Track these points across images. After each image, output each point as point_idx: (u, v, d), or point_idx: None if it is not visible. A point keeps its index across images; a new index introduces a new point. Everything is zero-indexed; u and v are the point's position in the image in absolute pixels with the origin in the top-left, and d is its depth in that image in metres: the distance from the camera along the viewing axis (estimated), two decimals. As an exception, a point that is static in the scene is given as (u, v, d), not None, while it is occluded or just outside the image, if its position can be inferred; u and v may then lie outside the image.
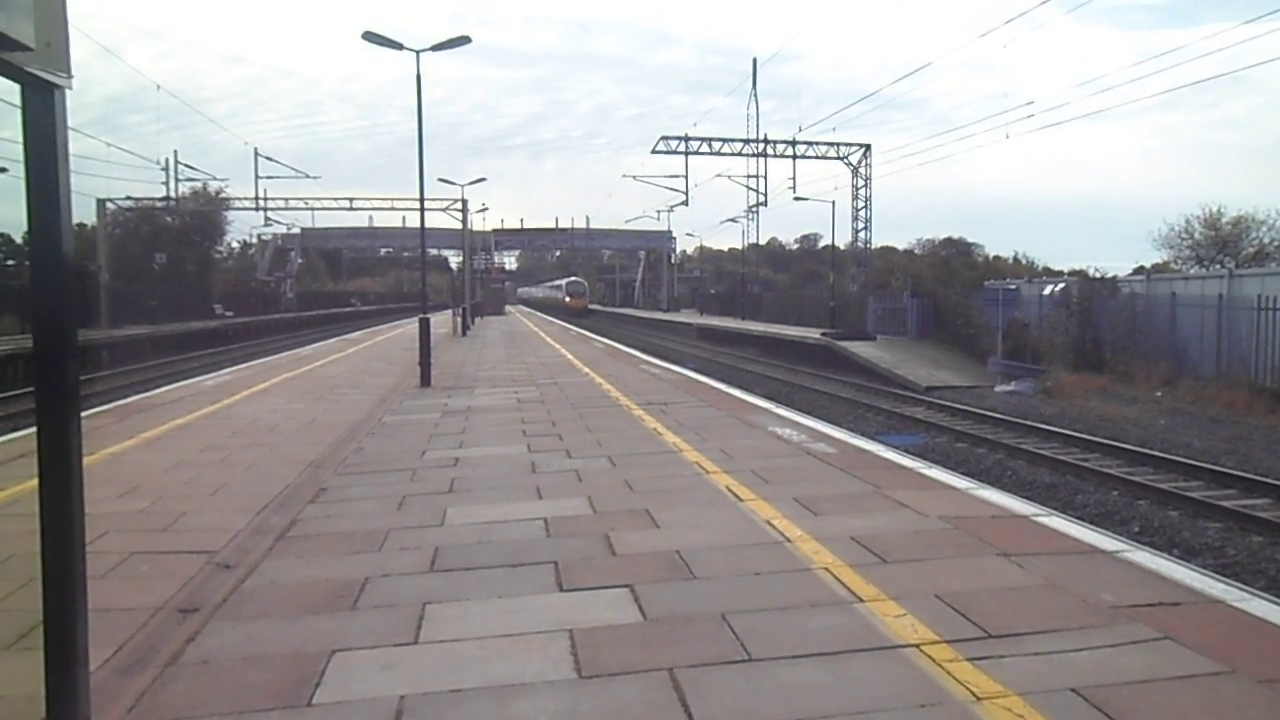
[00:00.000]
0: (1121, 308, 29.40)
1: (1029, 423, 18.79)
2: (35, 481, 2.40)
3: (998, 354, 29.40)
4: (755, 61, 57.26)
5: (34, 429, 2.45)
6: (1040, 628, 4.85)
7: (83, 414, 2.65)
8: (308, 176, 72.30)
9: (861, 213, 55.35)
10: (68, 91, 2.38)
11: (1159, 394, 24.28)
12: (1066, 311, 31.19)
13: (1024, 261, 74.23)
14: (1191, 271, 43.50)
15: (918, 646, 4.64)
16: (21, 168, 2.36)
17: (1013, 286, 34.03)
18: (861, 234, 56.09)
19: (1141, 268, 44.91)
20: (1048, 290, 33.95)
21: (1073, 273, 46.32)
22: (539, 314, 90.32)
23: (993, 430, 18.41)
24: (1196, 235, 50.59)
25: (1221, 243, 49.44)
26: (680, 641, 4.81)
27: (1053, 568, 5.88)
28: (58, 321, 2.42)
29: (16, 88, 2.30)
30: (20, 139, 2.33)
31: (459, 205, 54.84)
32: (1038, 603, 5.26)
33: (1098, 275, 37.08)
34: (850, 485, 8.52)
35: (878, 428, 18.18)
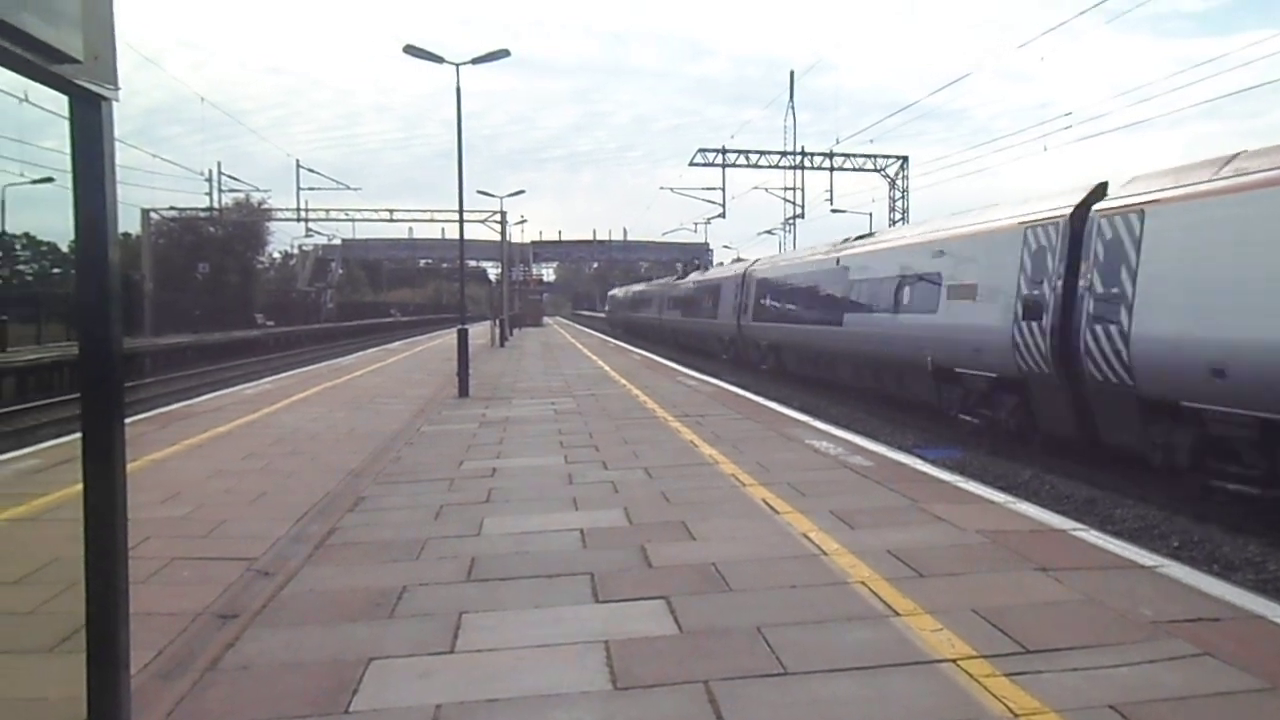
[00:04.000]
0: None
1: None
2: (79, 487, 2.43)
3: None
4: (792, 74, 56.95)
5: (79, 435, 2.49)
6: (1078, 643, 4.79)
7: (126, 421, 2.69)
8: (348, 188, 73.17)
9: (899, 225, 55.08)
10: (114, 104, 2.42)
11: None
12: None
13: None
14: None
15: (955, 661, 4.60)
16: (68, 178, 2.41)
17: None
18: (900, 246, 55.64)
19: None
20: None
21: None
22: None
23: (1030, 443, 18.18)
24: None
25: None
26: (716, 654, 4.79)
27: (1091, 583, 5.80)
28: (103, 330, 2.45)
29: (64, 99, 2.34)
30: (67, 150, 2.38)
31: (498, 217, 55.20)
32: (1076, 618, 5.20)
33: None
34: (887, 499, 8.46)
35: (914, 441, 18.00)
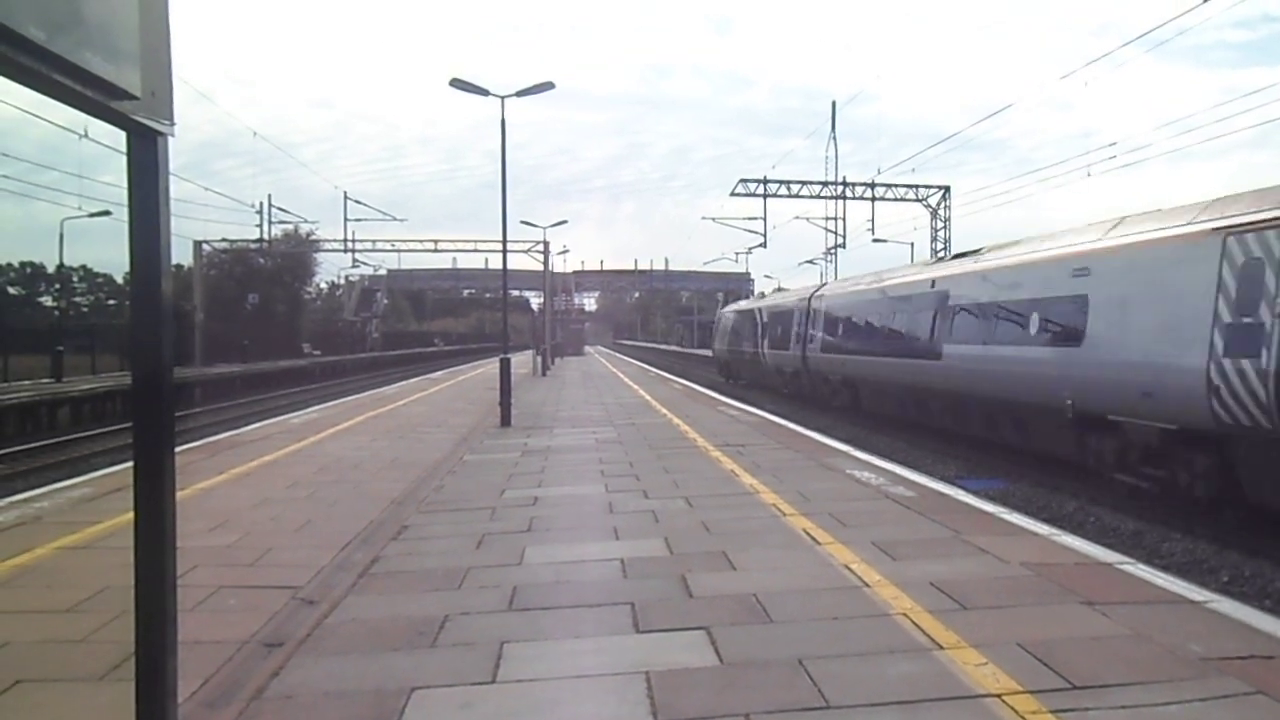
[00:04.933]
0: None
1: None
2: (130, 515, 2.48)
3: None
4: (834, 105, 56.85)
5: (130, 464, 2.54)
6: (1126, 679, 4.71)
7: (176, 450, 2.74)
8: (394, 219, 73.65)
9: (940, 254, 54.66)
10: (170, 138, 2.48)
11: None
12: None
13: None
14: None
15: (999, 696, 4.53)
16: (124, 211, 2.47)
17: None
18: (943, 275, 55.14)
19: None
20: None
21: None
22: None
23: (1074, 475, 17.94)
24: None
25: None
26: (757, 686, 4.77)
27: (1138, 617, 5.71)
28: (154, 360, 2.50)
29: (122, 135, 2.41)
30: (124, 184, 2.44)
31: (540, 247, 55.56)
32: (1123, 653, 5.11)
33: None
34: (929, 530, 8.39)
35: (957, 471, 17.83)
